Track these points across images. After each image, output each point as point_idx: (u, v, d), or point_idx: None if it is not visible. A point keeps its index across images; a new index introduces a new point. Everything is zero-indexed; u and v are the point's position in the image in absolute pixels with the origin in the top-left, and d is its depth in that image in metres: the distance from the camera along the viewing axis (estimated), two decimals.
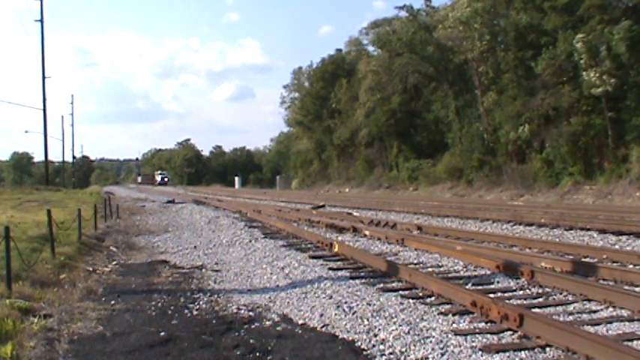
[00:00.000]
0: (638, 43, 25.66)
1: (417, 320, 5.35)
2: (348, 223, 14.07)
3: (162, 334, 5.24)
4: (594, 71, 26.24)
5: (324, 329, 5.28)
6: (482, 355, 4.39)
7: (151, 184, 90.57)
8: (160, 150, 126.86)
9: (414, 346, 4.63)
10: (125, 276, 8.36)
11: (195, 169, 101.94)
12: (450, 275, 7.63)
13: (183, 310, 6.12)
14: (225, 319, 5.71)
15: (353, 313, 5.67)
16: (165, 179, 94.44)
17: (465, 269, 8.03)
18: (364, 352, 4.57)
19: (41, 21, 45.98)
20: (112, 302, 6.57)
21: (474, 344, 4.64)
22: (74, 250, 10.07)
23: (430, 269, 8.11)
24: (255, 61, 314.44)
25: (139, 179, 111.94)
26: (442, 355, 4.42)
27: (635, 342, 4.58)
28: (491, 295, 5.98)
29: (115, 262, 9.64)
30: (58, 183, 69.77)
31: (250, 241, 11.71)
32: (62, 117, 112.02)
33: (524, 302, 5.99)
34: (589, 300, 5.96)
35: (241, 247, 11.01)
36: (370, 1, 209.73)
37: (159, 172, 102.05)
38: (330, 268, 8.24)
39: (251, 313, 5.95)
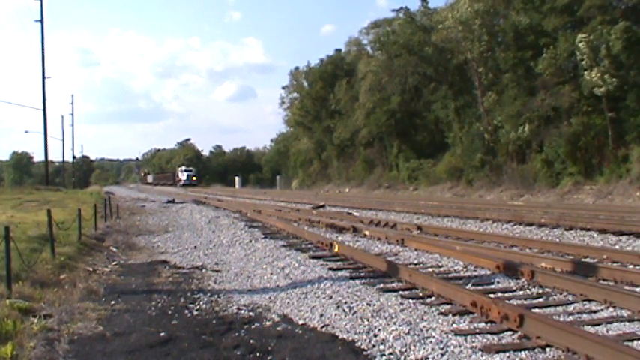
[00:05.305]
0: (636, 43, 25.68)
1: (417, 320, 5.35)
2: (348, 223, 14.06)
3: (163, 334, 5.24)
4: (596, 70, 26.26)
5: (324, 329, 5.28)
6: (482, 355, 4.39)
7: (170, 185, 74.06)
8: (159, 150, 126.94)
9: (414, 346, 4.63)
10: (125, 276, 8.36)
11: (195, 169, 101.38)
12: (450, 275, 7.63)
13: (184, 310, 6.12)
14: (226, 319, 5.71)
15: (353, 313, 5.67)
16: (194, 178, 75.04)
17: (465, 269, 8.03)
18: (364, 352, 4.57)
19: (41, 21, 45.98)
20: (112, 302, 6.56)
21: (474, 344, 4.64)
22: (74, 250, 10.07)
23: (430, 269, 8.11)
24: (257, 61, 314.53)
25: (150, 179, 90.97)
26: (442, 355, 4.42)
27: (635, 342, 4.58)
28: (492, 295, 5.98)
29: (115, 262, 9.64)
30: (58, 183, 69.69)
31: (250, 241, 11.71)
32: (62, 117, 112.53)
33: (525, 302, 5.99)
34: (589, 300, 5.97)
35: (241, 247, 11.01)
36: (372, 0, 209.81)
37: (183, 168, 79.88)
38: (330, 268, 8.24)
39: (251, 313, 5.95)
